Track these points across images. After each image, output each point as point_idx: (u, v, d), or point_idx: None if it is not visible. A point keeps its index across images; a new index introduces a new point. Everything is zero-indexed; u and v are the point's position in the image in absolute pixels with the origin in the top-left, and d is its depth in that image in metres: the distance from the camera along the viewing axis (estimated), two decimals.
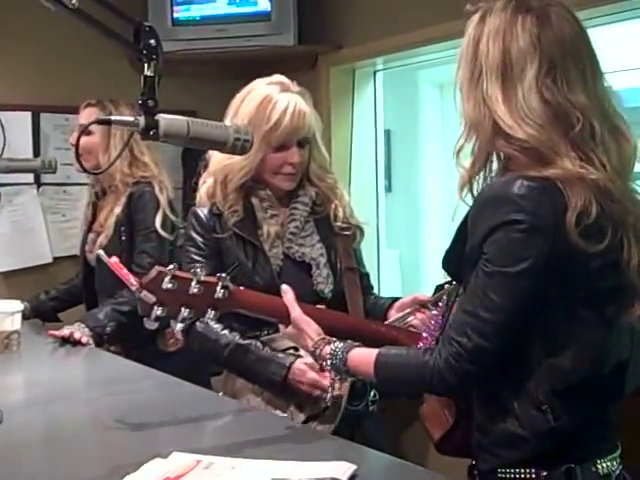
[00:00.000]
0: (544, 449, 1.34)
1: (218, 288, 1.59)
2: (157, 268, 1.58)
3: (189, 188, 2.25)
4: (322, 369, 1.60)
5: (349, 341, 1.56)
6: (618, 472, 1.40)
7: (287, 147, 2.01)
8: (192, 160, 2.42)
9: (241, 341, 1.96)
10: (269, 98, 1.99)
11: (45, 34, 3.43)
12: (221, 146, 1.49)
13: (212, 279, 1.60)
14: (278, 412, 1.93)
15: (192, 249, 2.03)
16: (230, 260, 2.00)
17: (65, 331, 2.58)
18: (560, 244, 1.27)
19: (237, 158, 1.95)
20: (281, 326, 1.76)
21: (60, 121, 3.61)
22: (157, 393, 2.03)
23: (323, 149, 2.11)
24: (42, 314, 3.06)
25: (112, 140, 2.80)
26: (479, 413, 1.42)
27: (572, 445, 1.34)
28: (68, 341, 2.57)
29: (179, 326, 1.58)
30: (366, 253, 2.23)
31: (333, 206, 2.10)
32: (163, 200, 2.80)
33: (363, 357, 1.49)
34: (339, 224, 2.10)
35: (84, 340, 2.56)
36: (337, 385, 1.71)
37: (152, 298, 1.54)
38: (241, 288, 1.66)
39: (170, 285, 1.55)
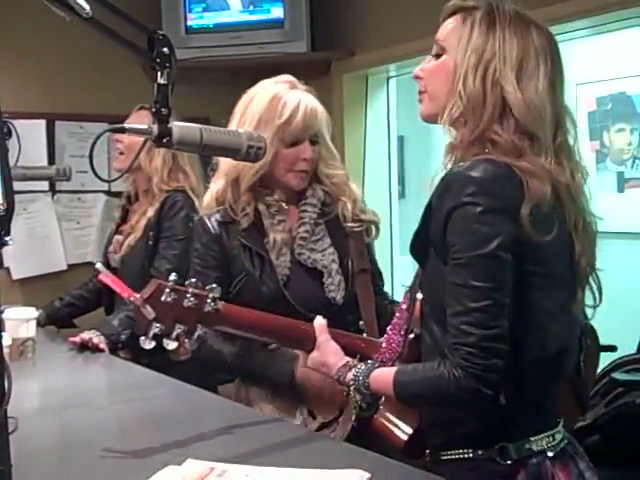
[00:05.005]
0: (487, 428, 1.39)
1: (208, 301, 1.56)
2: (156, 281, 1.55)
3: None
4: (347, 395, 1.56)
5: (369, 361, 1.54)
6: (560, 448, 1.44)
7: (300, 143, 1.99)
8: (207, 166, 2.43)
9: (245, 348, 1.94)
10: (279, 96, 1.98)
11: (59, 42, 3.45)
12: (234, 153, 1.48)
13: (203, 292, 1.56)
14: (290, 419, 1.92)
15: (196, 260, 2.01)
16: (237, 270, 1.97)
17: (84, 336, 2.59)
18: (517, 228, 1.32)
19: None
20: (301, 355, 1.69)
21: (75, 129, 3.63)
22: (171, 401, 2.03)
23: (332, 146, 2.08)
24: (57, 321, 3.07)
25: None
26: None
27: (512, 424, 1.39)
28: (86, 347, 2.58)
29: (173, 345, 1.53)
30: (380, 260, 2.20)
31: (341, 204, 2.06)
32: (198, 203, 2.82)
33: (382, 378, 1.47)
34: (349, 224, 2.06)
35: (102, 346, 2.57)
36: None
37: (152, 313, 1.50)
38: (227, 304, 1.61)
39: (169, 298, 1.52)
